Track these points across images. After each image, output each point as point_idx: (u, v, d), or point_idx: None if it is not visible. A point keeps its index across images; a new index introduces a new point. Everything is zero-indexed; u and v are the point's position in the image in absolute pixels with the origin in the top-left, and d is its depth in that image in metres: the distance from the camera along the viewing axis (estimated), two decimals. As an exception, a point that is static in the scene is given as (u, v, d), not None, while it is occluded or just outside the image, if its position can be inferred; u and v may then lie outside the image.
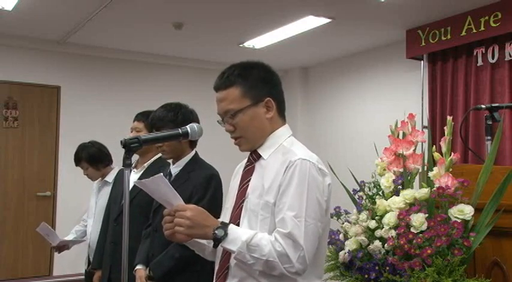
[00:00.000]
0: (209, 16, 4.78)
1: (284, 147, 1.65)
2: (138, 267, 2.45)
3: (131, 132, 2.89)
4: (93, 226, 3.48)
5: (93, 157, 3.50)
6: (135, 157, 2.89)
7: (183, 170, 2.48)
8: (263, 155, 1.66)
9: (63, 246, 3.62)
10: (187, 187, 2.37)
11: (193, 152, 2.54)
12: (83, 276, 3.52)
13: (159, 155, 2.72)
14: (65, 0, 4.42)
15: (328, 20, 4.80)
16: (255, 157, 1.69)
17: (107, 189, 3.41)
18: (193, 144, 2.53)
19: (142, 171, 2.84)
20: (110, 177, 3.47)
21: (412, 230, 1.67)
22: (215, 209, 2.23)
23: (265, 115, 1.65)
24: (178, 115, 2.48)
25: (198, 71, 6.45)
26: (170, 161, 2.57)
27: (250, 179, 1.65)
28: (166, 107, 2.54)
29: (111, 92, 6.02)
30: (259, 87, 1.65)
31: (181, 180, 2.43)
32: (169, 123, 2.44)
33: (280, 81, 1.74)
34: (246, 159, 1.74)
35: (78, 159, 3.55)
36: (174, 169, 2.50)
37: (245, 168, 1.72)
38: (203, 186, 2.39)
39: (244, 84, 1.64)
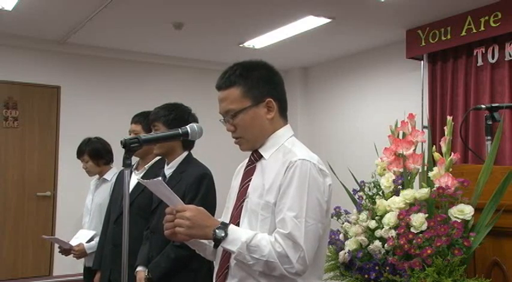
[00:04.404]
0: (209, 16, 4.78)
1: (285, 147, 1.64)
2: (139, 269, 2.46)
3: (129, 134, 2.88)
4: (89, 223, 3.48)
5: (96, 151, 3.51)
6: (135, 159, 2.91)
7: (175, 171, 2.50)
8: (264, 155, 1.66)
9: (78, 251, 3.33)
10: (180, 188, 2.37)
11: (186, 153, 2.55)
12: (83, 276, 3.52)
13: (160, 156, 2.73)
14: (65, 0, 4.42)
15: (328, 20, 4.80)
16: (256, 157, 1.69)
17: (105, 187, 3.44)
18: (186, 144, 2.54)
19: (143, 173, 2.84)
20: (108, 175, 3.48)
21: (412, 230, 1.67)
22: (207, 208, 2.22)
23: (266, 115, 1.65)
24: (171, 113, 2.53)
25: (198, 71, 6.44)
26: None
27: (251, 179, 1.65)
28: (165, 105, 2.60)
29: (111, 92, 6.02)
30: (260, 87, 1.64)
31: (174, 181, 2.44)
32: (160, 119, 2.52)
33: (283, 81, 1.74)
34: (248, 159, 1.74)
35: (81, 152, 3.55)
36: (168, 170, 2.52)
37: (246, 168, 1.72)
38: (195, 186, 2.40)
39: (245, 84, 1.63)
